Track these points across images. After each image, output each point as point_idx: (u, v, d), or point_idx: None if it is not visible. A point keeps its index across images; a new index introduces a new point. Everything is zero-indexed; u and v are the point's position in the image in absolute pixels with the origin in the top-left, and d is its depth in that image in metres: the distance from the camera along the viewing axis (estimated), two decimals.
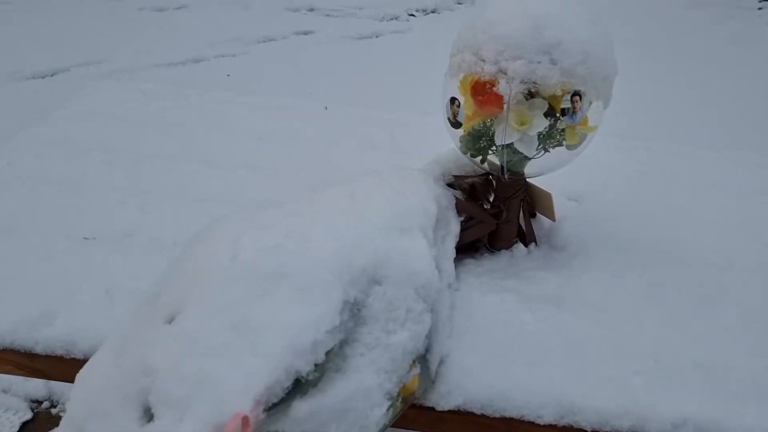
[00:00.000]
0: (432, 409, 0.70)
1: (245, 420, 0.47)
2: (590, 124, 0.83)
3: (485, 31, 0.78)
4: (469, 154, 0.86)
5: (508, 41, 0.76)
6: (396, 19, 4.21)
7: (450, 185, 0.92)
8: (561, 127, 0.80)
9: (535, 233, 0.96)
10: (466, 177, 0.93)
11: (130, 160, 1.08)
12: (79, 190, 0.99)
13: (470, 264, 0.90)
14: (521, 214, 0.93)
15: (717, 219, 1.05)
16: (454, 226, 0.86)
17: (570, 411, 0.69)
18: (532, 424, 0.70)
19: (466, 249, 0.92)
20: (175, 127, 1.20)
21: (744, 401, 0.71)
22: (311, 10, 4.16)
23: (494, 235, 0.93)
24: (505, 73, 0.76)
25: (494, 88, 0.77)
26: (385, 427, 0.61)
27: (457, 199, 0.89)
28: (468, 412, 0.70)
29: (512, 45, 0.76)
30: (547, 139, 0.81)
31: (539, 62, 0.75)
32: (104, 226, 0.92)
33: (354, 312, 0.59)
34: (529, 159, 0.84)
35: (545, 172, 0.88)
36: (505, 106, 0.77)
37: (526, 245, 0.94)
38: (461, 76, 0.81)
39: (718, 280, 0.90)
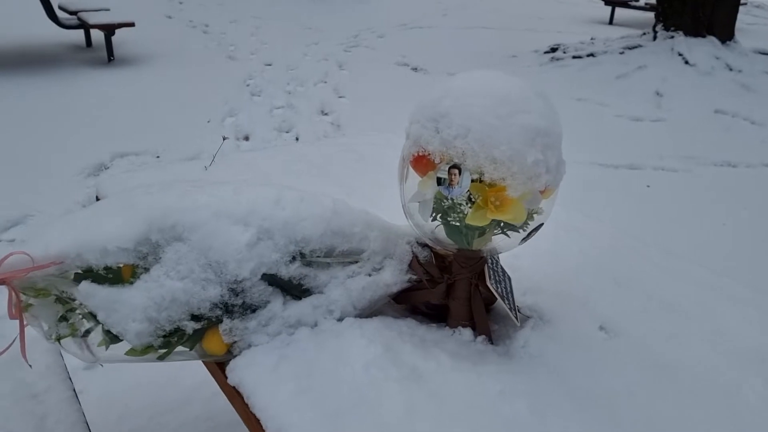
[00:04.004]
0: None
1: (27, 254, 0.78)
2: (510, 215, 0.78)
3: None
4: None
5: (419, 106, 0.81)
6: None
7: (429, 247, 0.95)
8: (459, 202, 0.78)
9: (503, 332, 0.89)
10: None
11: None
12: None
13: (407, 322, 0.91)
14: (473, 298, 0.89)
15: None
16: (387, 275, 0.91)
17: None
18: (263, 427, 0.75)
19: (435, 316, 0.93)
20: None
21: None
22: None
23: (448, 312, 0.91)
24: (408, 136, 0.81)
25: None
26: (156, 350, 0.81)
27: (414, 256, 0.93)
28: (241, 394, 0.80)
29: (419, 110, 0.81)
30: (450, 212, 0.80)
31: (427, 128, 0.78)
32: None
33: (155, 250, 0.81)
34: (475, 236, 0.84)
35: (494, 254, 0.85)
36: (402, 163, 0.82)
37: (476, 334, 0.89)
38: None
39: None
